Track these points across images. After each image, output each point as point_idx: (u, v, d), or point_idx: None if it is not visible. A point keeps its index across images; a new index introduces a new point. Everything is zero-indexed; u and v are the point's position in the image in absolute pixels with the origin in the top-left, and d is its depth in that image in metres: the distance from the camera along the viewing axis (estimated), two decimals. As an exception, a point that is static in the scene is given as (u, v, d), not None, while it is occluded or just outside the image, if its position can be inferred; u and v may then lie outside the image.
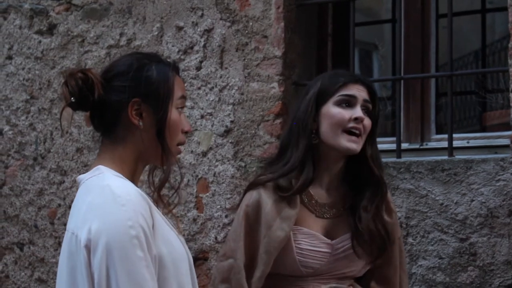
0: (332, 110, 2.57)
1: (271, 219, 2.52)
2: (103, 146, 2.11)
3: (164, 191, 2.15)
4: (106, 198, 1.96)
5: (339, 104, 2.57)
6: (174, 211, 2.16)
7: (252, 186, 2.60)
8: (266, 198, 2.54)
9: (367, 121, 2.57)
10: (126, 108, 2.05)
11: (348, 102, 2.57)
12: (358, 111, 2.55)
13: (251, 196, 2.57)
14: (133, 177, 2.09)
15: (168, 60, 2.18)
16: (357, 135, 2.55)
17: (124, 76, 2.07)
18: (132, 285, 1.89)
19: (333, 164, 2.61)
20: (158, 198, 2.10)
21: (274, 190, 2.56)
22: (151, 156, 2.11)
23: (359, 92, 2.59)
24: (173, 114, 2.09)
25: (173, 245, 2.05)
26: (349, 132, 2.55)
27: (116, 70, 2.09)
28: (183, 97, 2.14)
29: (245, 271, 2.52)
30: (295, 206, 2.54)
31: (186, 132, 2.13)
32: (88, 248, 1.92)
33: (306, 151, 2.56)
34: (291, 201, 2.55)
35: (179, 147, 2.14)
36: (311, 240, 2.55)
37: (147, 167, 2.18)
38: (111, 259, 1.90)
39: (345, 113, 2.55)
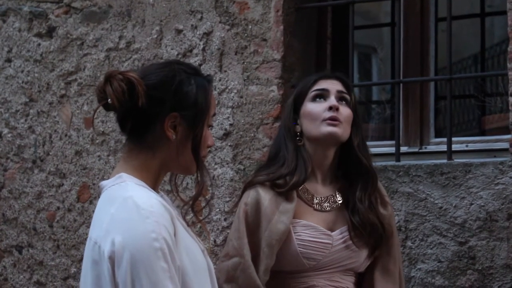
0: (308, 107, 2.68)
1: (270, 213, 2.57)
2: (128, 151, 2.11)
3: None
4: (130, 211, 1.97)
5: (313, 100, 2.68)
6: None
7: (249, 185, 2.67)
8: (264, 195, 2.60)
9: (344, 109, 2.66)
10: (162, 120, 2.06)
11: (322, 95, 2.68)
12: (331, 101, 2.65)
13: (249, 194, 2.63)
14: (155, 185, 2.11)
15: (203, 72, 2.18)
16: (336, 121, 2.63)
17: (165, 88, 2.07)
18: None
19: (323, 159, 2.69)
20: (192, 211, 2.13)
21: (271, 187, 2.62)
22: (177, 167, 2.14)
23: (331, 85, 2.69)
24: (205, 130, 2.11)
25: (195, 255, 2.08)
26: (326, 120, 2.64)
27: (156, 79, 2.08)
28: (214, 115, 2.18)
29: None
30: (292, 200, 2.61)
31: (209, 146, 2.16)
32: (112, 260, 1.94)
33: (296, 153, 2.65)
34: (288, 196, 2.62)
35: (204, 158, 2.17)
36: (311, 231, 2.60)
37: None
38: (136, 271, 1.92)
39: (320, 106, 2.65)
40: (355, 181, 2.67)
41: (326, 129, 2.62)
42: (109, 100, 2.04)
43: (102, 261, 1.96)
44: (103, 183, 2.11)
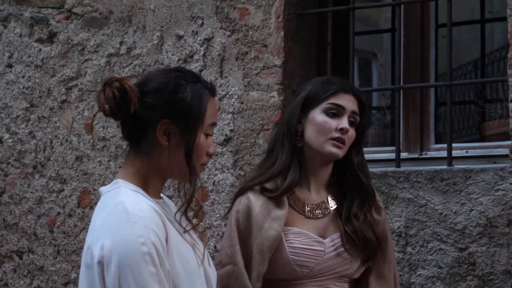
0: (319, 117, 2.61)
1: (261, 220, 2.55)
2: (128, 157, 2.15)
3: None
4: (119, 215, 2.00)
5: (326, 112, 2.61)
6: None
7: (240, 191, 2.65)
8: (254, 201, 2.58)
9: (351, 132, 2.62)
10: (155, 127, 2.08)
11: (336, 111, 2.61)
12: (344, 122, 2.60)
13: (240, 202, 2.61)
14: (152, 191, 2.13)
15: (206, 80, 2.18)
16: (341, 143, 2.60)
17: (158, 95, 2.09)
18: None
19: (318, 168, 2.66)
20: (185, 216, 2.12)
21: (261, 192, 2.60)
22: (174, 173, 2.15)
23: (348, 103, 2.62)
24: (201, 139, 2.11)
25: (187, 259, 2.08)
26: (334, 140, 2.60)
27: (152, 86, 2.11)
28: (214, 124, 2.16)
29: None
30: (284, 207, 2.58)
31: (210, 154, 2.16)
32: (101, 264, 1.97)
33: (291, 153, 2.61)
34: (279, 202, 2.59)
35: (203, 166, 2.17)
36: (303, 239, 2.57)
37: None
38: (124, 275, 1.94)
39: (332, 123, 2.60)
40: (352, 196, 2.65)
41: (331, 149, 2.59)
42: (100, 106, 2.07)
43: (93, 265, 1.99)
44: (102, 189, 2.14)
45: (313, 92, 2.65)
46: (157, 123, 2.08)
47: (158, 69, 2.24)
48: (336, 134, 2.59)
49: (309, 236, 2.58)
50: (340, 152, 2.60)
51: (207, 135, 2.14)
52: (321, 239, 2.59)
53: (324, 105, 2.61)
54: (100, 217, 2.04)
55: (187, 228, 2.14)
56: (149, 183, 2.12)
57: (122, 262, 1.94)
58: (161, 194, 2.20)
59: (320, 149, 2.60)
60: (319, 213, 2.64)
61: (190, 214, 2.17)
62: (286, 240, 2.56)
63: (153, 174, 2.12)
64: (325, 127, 2.59)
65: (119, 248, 1.95)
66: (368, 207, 2.65)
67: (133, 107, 2.06)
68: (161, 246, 1.98)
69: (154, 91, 2.10)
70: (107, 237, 1.97)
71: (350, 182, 2.66)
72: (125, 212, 1.99)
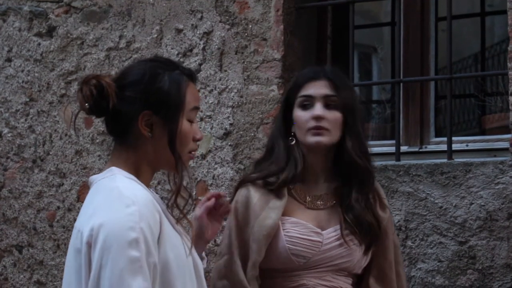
0: (296, 114, 2.66)
1: (258, 209, 2.58)
2: (115, 151, 2.14)
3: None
4: (113, 199, 1.99)
5: (301, 106, 2.65)
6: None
7: (241, 183, 2.68)
8: (254, 192, 2.62)
9: (331, 114, 2.61)
10: (136, 119, 2.07)
11: (308, 101, 2.63)
12: (316, 110, 2.60)
13: (240, 193, 2.64)
14: (143, 182, 2.11)
15: (185, 67, 2.18)
16: (321, 130, 2.60)
17: (136, 87, 2.08)
18: (120, 283, 1.90)
19: (315, 160, 2.67)
20: (175, 205, 2.11)
21: (262, 185, 2.63)
22: (162, 164, 2.14)
23: (317, 89, 2.63)
24: (184, 125, 2.10)
25: (179, 251, 2.08)
26: (312, 129, 2.61)
27: (129, 79, 2.10)
28: (196, 108, 2.15)
29: (241, 263, 2.56)
30: (283, 197, 2.61)
31: (197, 140, 2.15)
32: (89, 244, 1.95)
33: (287, 151, 2.65)
34: (279, 193, 2.62)
35: (191, 153, 2.16)
36: (300, 228, 2.58)
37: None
38: (107, 254, 1.92)
39: (305, 115, 2.62)
40: (350, 181, 2.63)
41: (312, 139, 2.60)
42: (80, 105, 2.07)
43: (82, 247, 1.97)
44: (93, 177, 2.13)
45: (288, 91, 2.71)
46: (138, 115, 2.07)
47: (136, 61, 2.23)
48: (311, 124, 2.60)
49: (306, 226, 2.59)
50: (322, 139, 2.60)
51: (191, 122, 2.13)
52: (319, 230, 2.59)
53: (298, 100, 2.66)
54: (94, 201, 2.03)
55: (178, 218, 2.12)
56: (137, 175, 2.11)
57: (106, 244, 1.92)
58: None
59: (305, 142, 2.63)
60: (320, 204, 2.65)
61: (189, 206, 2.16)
62: (283, 229, 2.58)
63: (141, 166, 2.11)
64: (301, 121, 2.63)
65: (107, 228, 1.93)
66: (368, 188, 2.63)
67: (112, 102, 2.05)
68: (151, 235, 1.96)
69: (131, 83, 2.09)
70: (98, 219, 1.96)
71: (347, 167, 2.63)
72: (119, 196, 1.98)
